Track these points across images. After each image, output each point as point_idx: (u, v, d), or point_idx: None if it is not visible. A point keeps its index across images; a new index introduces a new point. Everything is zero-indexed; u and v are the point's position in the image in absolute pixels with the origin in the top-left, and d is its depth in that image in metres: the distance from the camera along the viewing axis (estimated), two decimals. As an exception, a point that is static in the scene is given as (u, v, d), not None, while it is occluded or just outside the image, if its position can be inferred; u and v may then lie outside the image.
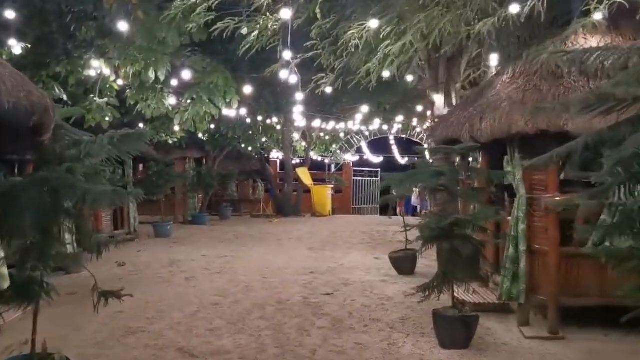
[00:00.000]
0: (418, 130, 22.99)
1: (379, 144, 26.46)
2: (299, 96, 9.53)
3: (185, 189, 17.65)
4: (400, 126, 20.97)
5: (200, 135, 16.62)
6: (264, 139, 20.50)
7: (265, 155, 23.54)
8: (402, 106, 16.54)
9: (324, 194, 21.67)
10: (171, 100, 9.53)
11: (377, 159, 27.05)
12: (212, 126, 16.10)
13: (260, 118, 15.47)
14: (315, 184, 22.12)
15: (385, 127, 21.21)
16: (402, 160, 26.87)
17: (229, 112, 12.46)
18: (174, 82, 9.17)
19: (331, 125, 18.89)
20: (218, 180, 18.36)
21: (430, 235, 5.37)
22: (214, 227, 16.21)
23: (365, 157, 26.65)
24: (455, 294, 5.57)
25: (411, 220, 13.27)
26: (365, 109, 15.64)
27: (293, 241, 12.93)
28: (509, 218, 6.10)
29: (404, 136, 24.74)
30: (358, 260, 10.18)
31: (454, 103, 8.78)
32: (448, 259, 5.41)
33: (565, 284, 5.72)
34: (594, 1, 4.97)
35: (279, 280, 8.28)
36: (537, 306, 6.07)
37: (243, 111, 13.30)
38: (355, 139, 25.16)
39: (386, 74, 7.21)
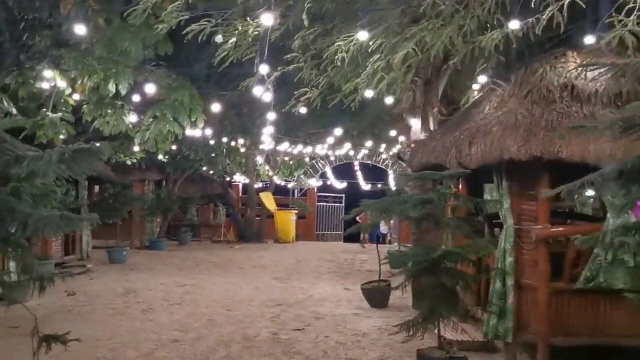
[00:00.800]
0: (384, 156, 22.82)
1: (343, 169, 26.16)
2: (271, 116, 9.06)
3: (143, 212, 16.84)
4: (366, 152, 20.69)
5: (160, 156, 15.96)
6: (227, 162, 19.90)
7: (228, 179, 22.91)
8: (371, 131, 16.28)
9: (287, 220, 21.12)
10: (132, 118, 8.92)
11: (341, 185, 26.70)
12: (174, 147, 15.47)
13: (224, 140, 14.91)
14: (278, 209, 21.55)
15: (351, 152, 20.89)
16: (366, 187, 26.60)
17: (193, 133, 11.89)
18: (136, 98, 8.58)
19: (297, 149, 18.47)
20: (178, 204, 17.61)
21: (416, 269, 4.92)
22: (173, 253, 15.44)
23: (329, 183, 26.26)
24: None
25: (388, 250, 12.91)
26: (334, 132, 15.27)
27: (257, 269, 12.32)
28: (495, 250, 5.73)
29: (369, 162, 24.53)
30: (327, 291, 9.66)
31: (432, 128, 8.46)
32: (434, 295, 4.97)
33: (556, 321, 5.36)
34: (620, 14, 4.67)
35: (245, 313, 7.68)
36: (525, 345, 5.68)
37: (208, 132, 12.72)
38: (320, 164, 24.78)
39: (370, 93, 6.81)
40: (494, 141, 5.05)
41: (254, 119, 14.27)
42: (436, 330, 5.10)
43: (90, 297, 8.57)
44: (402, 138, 15.70)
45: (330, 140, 15.84)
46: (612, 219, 5.08)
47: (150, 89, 7.94)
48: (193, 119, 8.59)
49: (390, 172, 24.86)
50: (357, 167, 25.64)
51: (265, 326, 6.93)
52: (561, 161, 5.00)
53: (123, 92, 7.87)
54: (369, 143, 17.16)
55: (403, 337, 5.10)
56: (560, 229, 5.57)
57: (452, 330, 5.42)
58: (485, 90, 6.35)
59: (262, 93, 6.92)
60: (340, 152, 21.05)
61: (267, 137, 13.80)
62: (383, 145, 18.22)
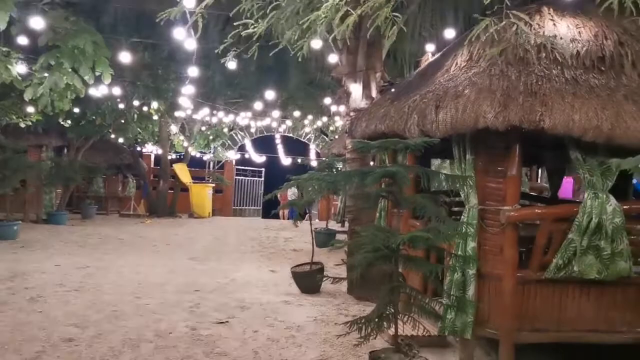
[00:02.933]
0: (307, 129, 21.93)
1: (263, 142, 25.02)
2: (193, 71, 7.84)
3: (40, 182, 14.99)
4: (289, 124, 19.71)
5: (61, 120, 14.19)
6: (138, 130, 18.22)
7: (139, 149, 21.16)
8: (298, 101, 15.31)
9: (203, 194, 19.80)
10: (20, 68, 7.39)
11: (260, 158, 25.57)
12: (77, 109, 13.78)
13: (136, 103, 13.38)
14: (194, 183, 20.17)
15: (274, 124, 19.83)
16: (287, 161, 25.67)
17: (98, 92, 10.42)
18: (23, 41, 7.06)
19: (216, 118, 17.16)
20: (82, 174, 15.85)
21: (374, 257, 4.07)
22: (74, 228, 13.82)
23: (247, 156, 25.06)
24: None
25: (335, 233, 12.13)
26: (258, 100, 14.14)
27: (172, 248, 11.10)
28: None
29: (291, 135, 23.59)
30: (251, 273, 8.69)
31: (373, 95, 7.63)
32: (393, 288, 4.15)
33: (521, 315, 4.73)
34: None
35: (157, 302, 6.58)
36: (484, 341, 5.04)
37: (116, 92, 11.21)
38: (239, 136, 23.53)
39: (314, 44, 5.79)
40: (467, 106, 4.26)
41: (170, 82, 12.86)
42: (392, 329, 4.31)
43: (-35, 283, 7.14)
44: (334, 107, 14.89)
45: (258, 106, 14.64)
46: (589, 200, 4.47)
47: (37, 24, 6.34)
48: (98, 73, 7.23)
49: (312, 146, 24.06)
50: (278, 140, 24.62)
51: (182, 319, 5.88)
52: (539, 132, 4.30)
53: (2, 26, 6.39)
54: (296, 113, 16.14)
55: (345, 333, 4.29)
56: (535, 210, 4.90)
57: (403, 322, 4.67)
58: (448, 49, 5.56)
59: (187, 27, 5.68)
60: (262, 123, 19.94)
61: (184, 102, 12.41)
62: (309, 117, 17.30)
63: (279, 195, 19.55)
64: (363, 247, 4.22)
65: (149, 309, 6.20)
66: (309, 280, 7.50)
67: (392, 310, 4.19)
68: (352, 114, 7.63)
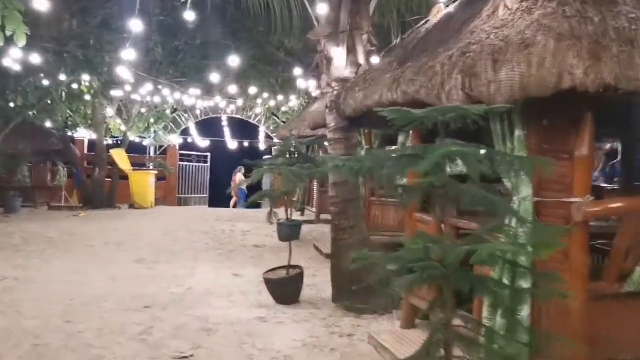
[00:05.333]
0: (258, 110, 20.41)
1: (208, 125, 23.23)
2: (136, 26, 6.25)
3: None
4: (239, 104, 18.11)
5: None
6: (68, 112, 16.19)
7: (70, 133, 19.02)
8: (254, 74, 13.79)
9: (145, 182, 17.95)
10: None
11: (204, 142, 23.79)
12: (-8, 87, 11.80)
13: (63, 78, 11.49)
14: (134, 170, 18.27)
15: (222, 104, 18.19)
16: (233, 145, 24.01)
17: (14, 63, 8.62)
18: None
19: (159, 98, 15.38)
20: (2, 163, 13.77)
21: (428, 277, 2.75)
22: (-6, 226, 11.87)
23: (191, 140, 23.22)
24: None
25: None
26: (207, 76, 12.54)
27: (111, 248, 9.44)
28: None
29: (239, 117, 21.96)
30: (211, 278, 7.24)
31: (361, 61, 6.29)
32: (448, 322, 2.87)
33: (594, 341, 3.57)
34: None
35: (95, 327, 5.07)
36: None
37: (37, 62, 9.38)
38: (183, 118, 21.68)
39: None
40: (544, 58, 2.99)
41: (104, 54, 11.06)
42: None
43: None
44: (304, 84, 13.44)
45: (204, 85, 13.03)
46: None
47: None
48: (9, 33, 5.56)
49: (262, 128, 22.54)
50: (225, 123, 22.92)
51: (131, 354, 4.42)
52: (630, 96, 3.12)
53: (21, 43, 4.97)
54: (252, 90, 14.58)
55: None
56: (623, 203, 3.72)
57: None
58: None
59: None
60: (208, 104, 18.27)
61: (123, 74, 10.65)
62: (264, 96, 15.79)
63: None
64: (403, 260, 2.91)
65: (84, 340, 4.70)
66: (286, 289, 6.15)
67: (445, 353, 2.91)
68: (334, 84, 6.29)
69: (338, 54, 6.25)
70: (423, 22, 5.63)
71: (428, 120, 2.90)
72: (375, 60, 7.01)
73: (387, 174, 3.00)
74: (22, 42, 5.67)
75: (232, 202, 21.06)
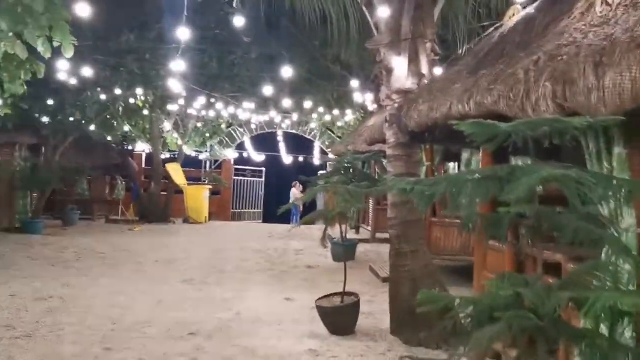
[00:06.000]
0: (313, 125, 20.10)
1: (263, 139, 23.09)
2: (184, 33, 6.00)
3: (11, 186, 13.10)
4: (294, 119, 17.84)
5: (37, 115, 12.35)
6: (126, 127, 16.32)
7: (128, 147, 19.25)
8: (311, 88, 13.48)
9: (199, 196, 17.86)
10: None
11: (259, 157, 23.65)
12: (51, 102, 11.92)
13: (118, 92, 11.47)
14: (188, 184, 18.24)
15: (277, 119, 17.97)
16: (288, 159, 23.78)
17: (69, 76, 8.55)
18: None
19: (213, 111, 15.28)
20: (60, 176, 13.91)
21: (520, 328, 2.20)
22: (50, 239, 11.89)
23: (246, 155, 23.13)
24: None
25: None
26: (261, 90, 12.29)
27: (160, 266, 9.20)
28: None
29: (294, 131, 21.70)
30: (261, 303, 6.82)
31: (424, 70, 5.77)
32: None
33: None
34: None
35: (134, 356, 4.71)
36: None
37: (92, 76, 9.32)
38: (238, 133, 21.60)
39: None
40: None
41: (158, 67, 10.97)
42: None
43: None
44: (360, 98, 13.00)
45: (259, 99, 12.79)
46: None
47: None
48: (56, 42, 5.36)
49: (316, 142, 22.19)
50: (279, 137, 22.73)
51: (170, 391, 4.02)
52: None
53: (68, 54, 4.95)
54: (307, 103, 14.25)
55: None
56: None
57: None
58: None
59: None
60: (263, 118, 18.10)
61: (175, 87, 10.49)
62: (320, 110, 15.43)
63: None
64: (483, 305, 2.37)
65: (122, 372, 4.34)
66: (341, 318, 5.65)
67: None
68: (394, 96, 5.79)
69: (399, 64, 5.75)
70: (495, 26, 5.06)
71: (516, 134, 2.36)
72: (437, 71, 6.47)
73: (466, 200, 2.48)
74: (69, 53, 5.47)
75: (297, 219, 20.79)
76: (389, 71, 5.85)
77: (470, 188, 2.30)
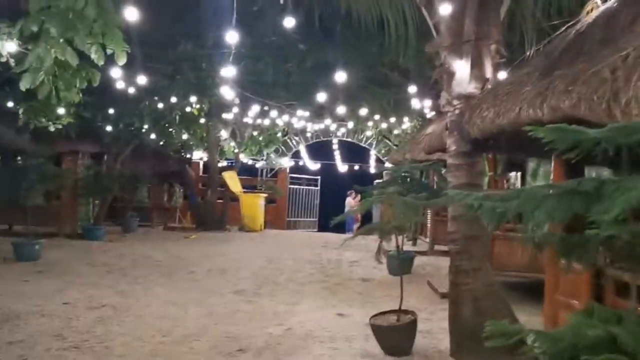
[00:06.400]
0: (369, 133, 19.81)
1: (318, 148, 22.94)
2: (232, 37, 5.89)
3: (76, 193, 13.45)
4: (351, 126, 17.59)
5: (99, 124, 12.63)
6: (184, 136, 16.51)
7: (187, 156, 19.51)
8: (366, 95, 13.20)
9: (255, 205, 17.85)
10: (9, 46, 5.56)
11: (315, 165, 23.52)
12: (112, 111, 12.16)
13: (174, 100, 11.55)
14: (245, 192, 18.29)
15: (333, 127, 17.79)
16: (343, 168, 23.53)
17: (128, 85, 8.62)
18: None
19: (268, 120, 15.24)
20: (120, 183, 14.19)
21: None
22: (109, 246, 12.09)
23: (301, 163, 23.05)
24: None
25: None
26: (315, 98, 12.12)
27: (213, 275, 9.12)
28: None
29: (350, 140, 21.45)
30: (313, 318, 6.55)
31: (488, 75, 5.40)
32: None
33: None
34: None
35: (182, 373, 4.56)
36: None
37: (150, 82, 9.39)
38: (294, 141, 21.56)
39: None
40: None
41: (214, 75, 10.97)
42: None
43: None
44: (418, 104, 12.63)
45: (315, 107, 12.63)
46: None
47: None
48: (109, 50, 5.33)
49: (372, 151, 21.85)
50: (335, 146, 22.52)
51: (215, 414, 3.82)
52: None
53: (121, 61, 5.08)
54: (363, 111, 13.98)
55: None
56: None
57: None
58: None
59: None
60: (318, 126, 17.96)
61: (227, 94, 10.43)
62: (376, 117, 15.12)
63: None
64: (565, 343, 2.02)
65: (168, 390, 4.18)
66: (397, 338, 5.32)
67: None
68: (455, 102, 5.44)
69: (461, 68, 5.40)
70: (570, 23, 4.63)
71: (608, 142, 2.01)
72: (501, 75, 6.06)
73: (543, 219, 2.14)
74: (122, 60, 5.42)
75: (355, 227, 20.51)
76: (450, 75, 5.49)
77: (550, 205, 1.96)
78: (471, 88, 5.37)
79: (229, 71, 8.27)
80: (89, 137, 13.55)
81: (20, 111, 11.54)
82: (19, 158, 11.02)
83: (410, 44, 7.43)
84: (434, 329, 6.16)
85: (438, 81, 5.82)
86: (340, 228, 18.97)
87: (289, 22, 5.80)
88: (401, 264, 9.19)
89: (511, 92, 4.10)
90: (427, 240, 12.92)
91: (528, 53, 6.33)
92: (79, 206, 13.74)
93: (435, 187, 11.87)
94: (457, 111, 5.38)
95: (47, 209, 12.69)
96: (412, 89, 12.04)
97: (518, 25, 6.31)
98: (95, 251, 11.17)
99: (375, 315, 5.67)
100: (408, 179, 9.35)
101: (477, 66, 5.40)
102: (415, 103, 12.73)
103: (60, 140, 12.88)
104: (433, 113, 14.17)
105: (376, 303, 7.35)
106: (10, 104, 11.53)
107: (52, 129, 11.94)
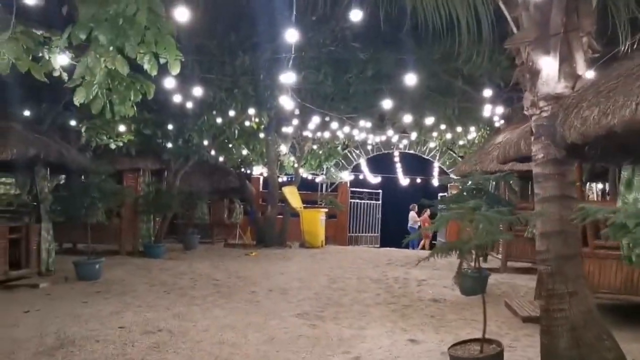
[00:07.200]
0: (432, 144, 19.08)
1: (379, 161, 22.33)
2: (291, 36, 5.47)
3: (136, 210, 13.44)
4: (414, 137, 16.92)
5: (160, 140, 12.58)
6: (244, 151, 16.34)
7: (247, 171, 19.38)
8: (431, 105, 12.57)
9: (315, 220, 17.39)
10: (62, 59, 5.36)
11: (375, 179, 22.91)
12: (171, 127, 12.08)
13: (232, 113, 11.31)
14: (305, 207, 17.90)
15: (394, 139, 17.19)
16: (405, 181, 22.81)
17: (184, 99, 8.40)
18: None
19: (328, 133, 14.83)
20: (180, 200, 14.10)
21: None
22: (169, 264, 11.91)
23: (361, 177, 22.50)
24: None
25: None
26: (378, 108, 11.60)
27: (274, 296, 8.67)
28: None
29: (412, 152, 20.78)
30: (383, 345, 5.95)
31: (580, 72, 4.74)
32: None
33: None
34: None
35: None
36: None
37: (204, 96, 9.14)
38: (354, 154, 21.07)
39: None
40: None
41: (273, 89, 10.65)
42: None
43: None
44: (486, 113, 11.90)
45: (375, 119, 12.10)
46: None
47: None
48: (163, 59, 5.02)
49: (436, 163, 21.06)
50: (396, 158, 21.88)
51: None
52: None
53: (175, 71, 4.86)
54: (429, 120, 13.33)
55: None
56: None
57: None
58: None
59: None
60: (379, 139, 17.41)
61: (287, 102, 10.03)
62: (441, 127, 14.42)
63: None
64: None
65: None
66: (482, 374, 4.67)
67: None
68: (542, 103, 4.79)
69: (548, 64, 4.75)
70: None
71: None
72: (589, 74, 5.35)
73: None
74: (176, 69, 5.10)
75: (421, 243, 19.85)
76: (535, 74, 4.86)
77: None
78: (560, 87, 4.73)
79: (288, 77, 7.89)
80: (149, 154, 13.57)
81: (83, 129, 11.64)
82: (82, 177, 11.02)
83: (484, 44, 6.81)
84: (518, 356, 5.47)
85: (519, 81, 5.19)
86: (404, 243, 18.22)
87: (356, 15, 5.33)
88: (475, 283, 8.53)
89: (617, 87, 3.46)
90: (499, 256, 12.07)
91: (623, 47, 5.59)
92: (139, 223, 13.68)
93: (507, 199, 11.07)
94: (544, 114, 4.73)
95: (108, 226, 12.70)
96: (480, 96, 11.33)
97: (609, 16, 5.58)
98: (154, 269, 10.99)
99: (455, 344, 5.04)
100: (476, 191, 8.67)
101: (567, 62, 4.76)
102: (483, 110, 11.98)
103: (121, 158, 12.97)
104: (502, 122, 13.37)
105: (450, 328, 6.70)
106: (72, 123, 11.65)
107: (112, 146, 12.02)
